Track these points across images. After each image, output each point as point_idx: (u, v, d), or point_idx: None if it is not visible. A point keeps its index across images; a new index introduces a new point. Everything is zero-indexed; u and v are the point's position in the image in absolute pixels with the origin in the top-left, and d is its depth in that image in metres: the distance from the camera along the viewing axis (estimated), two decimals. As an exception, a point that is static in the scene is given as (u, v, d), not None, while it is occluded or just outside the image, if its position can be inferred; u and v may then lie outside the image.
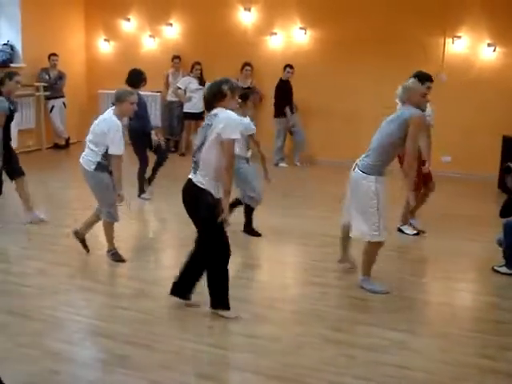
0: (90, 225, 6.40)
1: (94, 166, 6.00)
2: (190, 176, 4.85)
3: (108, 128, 5.91)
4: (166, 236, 7.63)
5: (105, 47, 13.23)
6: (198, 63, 11.82)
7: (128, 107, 6.07)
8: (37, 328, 4.84)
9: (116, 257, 6.25)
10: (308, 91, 11.31)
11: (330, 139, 11.40)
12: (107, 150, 5.92)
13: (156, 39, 12.72)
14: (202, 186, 4.76)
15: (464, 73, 10.64)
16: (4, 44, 11.86)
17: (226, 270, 4.96)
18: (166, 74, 12.32)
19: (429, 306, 5.66)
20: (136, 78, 8.38)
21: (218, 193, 4.78)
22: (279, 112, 11.27)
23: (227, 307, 5.03)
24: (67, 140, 12.61)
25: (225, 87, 4.76)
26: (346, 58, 11.08)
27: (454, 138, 10.51)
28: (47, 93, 12.14)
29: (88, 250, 6.41)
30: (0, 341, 4.59)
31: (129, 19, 12.80)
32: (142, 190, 8.71)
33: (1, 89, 7.04)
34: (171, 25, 12.51)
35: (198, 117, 11.52)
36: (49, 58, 11.99)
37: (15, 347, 4.52)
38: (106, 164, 6.01)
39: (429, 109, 6.84)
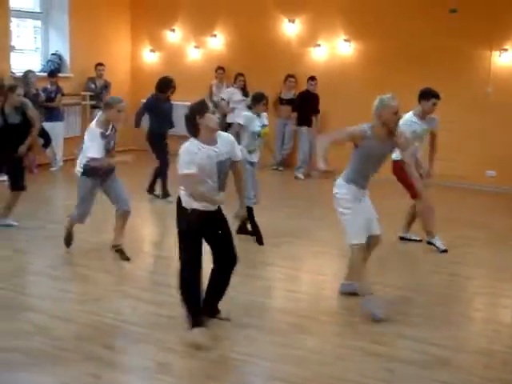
0: (119, 231, 6.55)
1: (81, 171, 6.32)
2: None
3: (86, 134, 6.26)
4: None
5: (150, 57, 13.41)
6: (242, 74, 11.89)
7: (115, 114, 6.22)
8: (79, 332, 4.91)
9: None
10: (351, 103, 11.26)
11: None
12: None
13: (200, 50, 12.85)
14: (181, 200, 4.78)
15: (511, 86, 10.49)
16: (52, 54, 12.14)
17: (189, 288, 4.78)
18: (210, 85, 12.41)
19: (472, 322, 5.58)
20: (164, 85, 9.04)
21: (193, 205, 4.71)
22: (301, 121, 11.49)
23: (191, 325, 4.78)
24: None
25: (204, 102, 4.70)
26: (390, 71, 11.01)
27: (500, 153, 10.36)
28: (93, 102, 12.33)
29: (128, 259, 6.49)
30: (43, 344, 4.67)
31: (174, 30, 12.97)
32: (166, 194, 9.01)
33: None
34: (215, 36, 12.63)
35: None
36: (95, 67, 12.19)
37: (57, 350, 4.59)
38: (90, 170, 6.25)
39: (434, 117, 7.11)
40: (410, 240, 7.55)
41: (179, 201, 4.79)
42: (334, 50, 11.72)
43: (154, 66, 13.35)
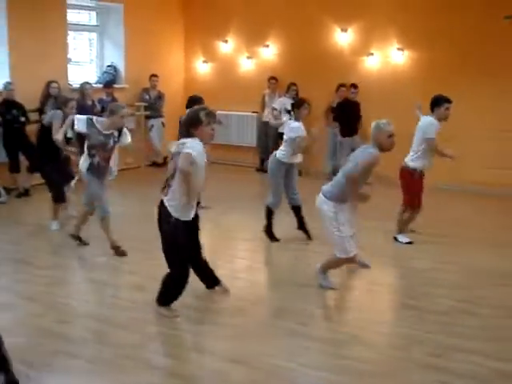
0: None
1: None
2: (162, 197, 5.18)
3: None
4: (258, 256, 7.65)
5: (203, 68, 13.54)
6: (294, 84, 11.91)
7: (118, 119, 6.80)
8: (135, 340, 4.98)
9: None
10: (404, 112, 11.13)
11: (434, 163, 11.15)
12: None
13: (253, 60, 12.91)
14: (170, 210, 5.11)
15: None
16: (108, 66, 12.37)
17: (181, 288, 5.30)
18: (262, 95, 12.46)
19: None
20: (193, 103, 9.04)
21: (183, 215, 5.14)
22: (344, 132, 11.45)
23: (169, 306, 5.38)
24: (165, 158, 12.91)
25: (201, 113, 5.07)
26: (444, 80, 10.84)
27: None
28: (147, 112, 12.51)
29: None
30: (101, 351, 4.75)
31: (226, 41, 13.07)
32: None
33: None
34: (268, 46, 12.68)
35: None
36: (149, 78, 12.39)
37: (115, 358, 4.66)
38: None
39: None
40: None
41: (168, 211, 5.12)
42: (386, 59, 11.63)
43: (207, 76, 13.48)
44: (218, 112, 12.91)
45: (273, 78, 12.36)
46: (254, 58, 12.91)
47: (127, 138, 7.12)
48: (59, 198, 8.06)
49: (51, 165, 7.97)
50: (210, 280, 5.88)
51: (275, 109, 11.91)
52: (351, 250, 5.86)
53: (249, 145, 12.79)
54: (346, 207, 5.83)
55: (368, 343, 5.01)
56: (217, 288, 5.90)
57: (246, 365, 4.57)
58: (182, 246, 5.19)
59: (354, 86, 11.50)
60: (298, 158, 7.63)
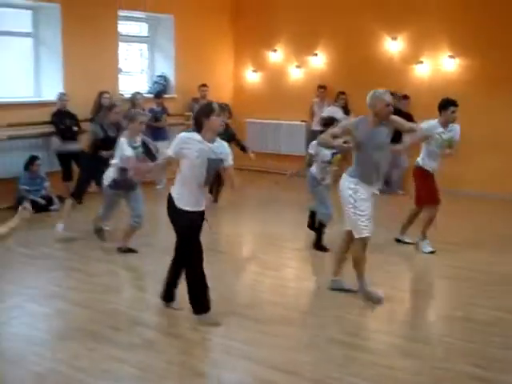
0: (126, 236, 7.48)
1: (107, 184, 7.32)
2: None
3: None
4: (306, 265, 7.62)
5: (252, 77, 13.61)
6: (343, 93, 11.87)
7: (137, 126, 7.13)
8: (186, 348, 5.01)
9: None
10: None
11: (481, 171, 10.98)
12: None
13: (301, 69, 12.92)
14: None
15: None
16: (159, 76, 12.53)
17: (201, 274, 5.37)
18: (311, 104, 12.44)
19: None
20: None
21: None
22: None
23: (206, 310, 5.39)
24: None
25: (215, 105, 5.32)
26: (497, 88, 10.68)
27: None
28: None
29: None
30: (152, 357, 4.80)
31: (276, 50, 13.11)
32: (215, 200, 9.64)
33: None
34: (316, 55, 12.67)
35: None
36: (199, 88, 12.47)
37: (166, 365, 4.70)
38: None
39: (455, 126, 7.49)
40: (404, 243, 7.88)
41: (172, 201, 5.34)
42: (437, 67, 11.49)
43: (256, 85, 13.54)
44: (268, 121, 13.04)
45: (322, 86, 12.34)
46: (302, 66, 12.91)
47: (154, 144, 7.39)
48: (75, 195, 8.28)
49: (93, 164, 8.09)
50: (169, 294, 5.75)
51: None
52: (364, 230, 5.83)
53: (298, 153, 12.77)
54: (366, 187, 5.82)
55: (415, 354, 4.95)
56: (172, 305, 5.75)
57: (294, 375, 4.56)
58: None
59: (406, 96, 11.36)
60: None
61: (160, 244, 7.57)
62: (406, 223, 7.92)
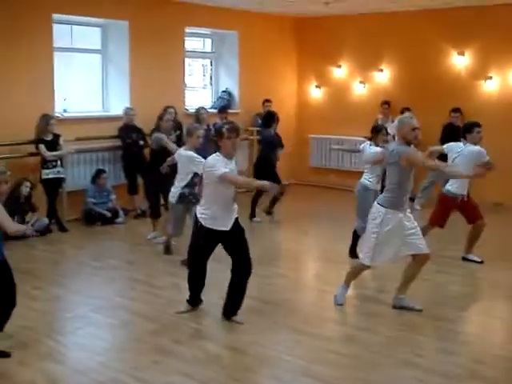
0: None
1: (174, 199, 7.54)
2: None
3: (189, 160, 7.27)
4: (368, 282, 7.51)
5: (316, 93, 13.59)
6: (408, 109, 11.66)
7: (195, 140, 7.30)
8: (248, 363, 5.00)
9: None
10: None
11: None
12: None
13: (366, 85, 12.83)
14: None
15: None
16: (223, 91, 12.65)
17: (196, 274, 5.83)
18: (375, 120, 12.31)
19: None
20: (268, 119, 10.09)
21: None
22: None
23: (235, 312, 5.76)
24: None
25: (224, 128, 5.58)
26: None
27: None
28: (260, 137, 12.64)
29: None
30: (217, 372, 4.80)
31: (340, 66, 13.07)
32: (253, 215, 9.85)
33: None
34: (382, 70, 12.57)
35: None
36: (263, 103, 12.53)
37: (227, 379, 4.70)
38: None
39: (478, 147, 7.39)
40: (471, 261, 7.78)
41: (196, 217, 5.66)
42: (506, 82, 11.24)
43: (320, 101, 13.52)
44: (330, 136, 12.96)
45: (386, 102, 12.22)
46: (366, 82, 12.82)
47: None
48: (153, 214, 8.77)
49: (154, 179, 8.47)
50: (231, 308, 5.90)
51: (388, 133, 11.73)
52: (368, 259, 5.96)
53: (361, 170, 12.63)
54: (396, 215, 5.82)
55: (485, 377, 4.81)
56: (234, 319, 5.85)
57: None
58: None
59: (456, 110, 11.10)
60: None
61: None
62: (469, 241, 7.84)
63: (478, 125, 7.53)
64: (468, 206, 7.60)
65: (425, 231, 7.36)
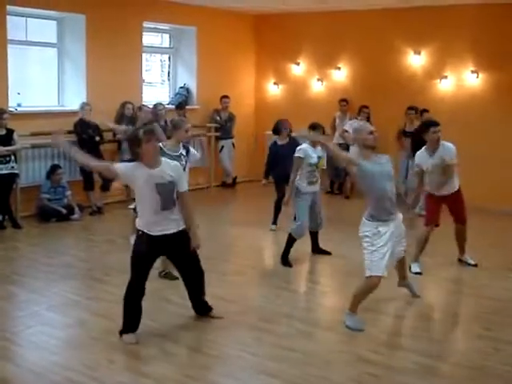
0: None
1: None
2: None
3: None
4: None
5: (274, 90, 13.60)
6: (366, 107, 11.80)
7: (183, 134, 6.76)
8: (204, 361, 4.99)
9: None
10: (479, 136, 10.91)
11: (499, 188, 10.86)
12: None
13: (324, 82, 12.89)
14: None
15: None
16: (181, 87, 12.58)
17: (129, 304, 5.36)
18: (333, 117, 12.40)
19: None
20: (277, 128, 9.31)
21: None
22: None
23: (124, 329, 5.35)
24: (234, 179, 13.01)
25: (140, 132, 5.12)
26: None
27: None
28: (218, 133, 12.64)
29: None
30: (171, 370, 4.77)
31: (298, 63, 13.11)
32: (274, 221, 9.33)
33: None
34: (339, 68, 12.64)
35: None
36: (220, 100, 12.53)
37: (182, 377, 4.68)
38: None
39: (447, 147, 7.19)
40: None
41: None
42: (461, 82, 11.42)
43: (278, 98, 13.53)
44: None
45: (344, 100, 12.30)
46: (324, 80, 12.88)
47: (196, 155, 7.21)
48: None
49: None
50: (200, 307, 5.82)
51: (346, 131, 11.83)
52: (373, 270, 5.50)
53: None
54: (384, 227, 5.53)
55: (444, 374, 4.87)
56: (210, 314, 5.81)
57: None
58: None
59: (425, 110, 11.13)
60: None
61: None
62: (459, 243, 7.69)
63: (433, 124, 7.18)
64: (453, 206, 7.43)
65: (425, 237, 7.34)
